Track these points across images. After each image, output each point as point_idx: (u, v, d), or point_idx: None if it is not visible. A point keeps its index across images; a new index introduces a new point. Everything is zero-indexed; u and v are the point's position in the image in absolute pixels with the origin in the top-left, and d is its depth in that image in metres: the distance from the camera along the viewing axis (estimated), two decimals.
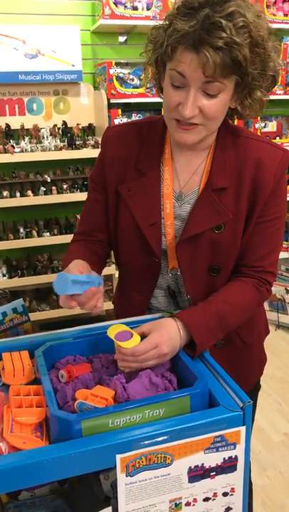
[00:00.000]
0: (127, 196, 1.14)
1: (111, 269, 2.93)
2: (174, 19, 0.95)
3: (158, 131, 1.16)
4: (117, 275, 1.49)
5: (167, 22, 0.99)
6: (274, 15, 3.13)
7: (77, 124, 2.88)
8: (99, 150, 1.26)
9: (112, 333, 0.98)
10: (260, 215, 1.11)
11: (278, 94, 3.19)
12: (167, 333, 0.99)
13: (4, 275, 2.85)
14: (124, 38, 3.06)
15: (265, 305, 3.45)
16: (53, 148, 2.75)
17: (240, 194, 1.10)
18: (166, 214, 1.14)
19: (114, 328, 1.00)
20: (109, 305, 2.74)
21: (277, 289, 3.39)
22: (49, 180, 2.77)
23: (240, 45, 0.92)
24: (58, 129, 2.83)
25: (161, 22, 1.02)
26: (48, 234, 2.84)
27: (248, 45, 0.93)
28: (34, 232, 2.84)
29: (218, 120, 1.05)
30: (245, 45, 0.93)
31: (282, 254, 3.55)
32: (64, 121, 2.86)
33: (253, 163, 1.09)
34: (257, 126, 3.26)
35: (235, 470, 0.85)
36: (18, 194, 2.74)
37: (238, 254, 1.15)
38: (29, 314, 1.49)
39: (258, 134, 3.20)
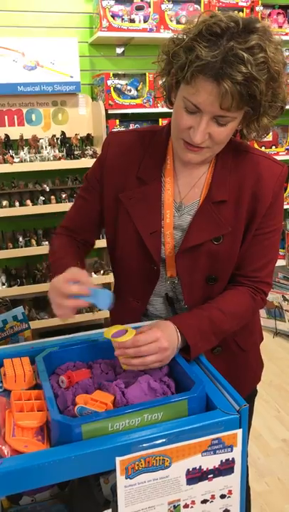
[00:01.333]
0: (128, 204, 1.16)
1: (109, 278, 2.94)
2: (197, 44, 0.95)
3: (161, 141, 1.18)
4: None
5: (187, 42, 0.97)
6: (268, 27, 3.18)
7: (76, 135, 2.91)
8: None
9: (108, 334, 1.01)
10: (258, 227, 1.14)
11: None
12: (167, 330, 1.01)
13: (3, 284, 2.86)
14: (122, 49, 3.10)
15: (263, 312, 3.47)
16: (51, 158, 2.78)
17: (240, 207, 1.12)
18: (166, 223, 1.16)
19: (110, 329, 1.02)
20: (106, 313, 2.75)
21: (274, 297, 3.40)
22: (48, 190, 2.80)
23: (259, 81, 0.94)
24: (57, 139, 2.86)
25: (179, 36, 1.01)
26: (46, 243, 2.86)
27: (265, 80, 0.95)
28: (33, 241, 2.86)
29: (224, 144, 1.08)
30: (263, 81, 0.95)
31: (279, 262, 3.57)
32: (62, 132, 2.89)
33: (252, 178, 1.12)
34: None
35: (233, 472, 0.87)
36: (17, 204, 2.76)
37: (235, 265, 1.17)
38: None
39: (255, 143, 3.23)
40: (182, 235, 1.16)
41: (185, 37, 0.99)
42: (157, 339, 0.98)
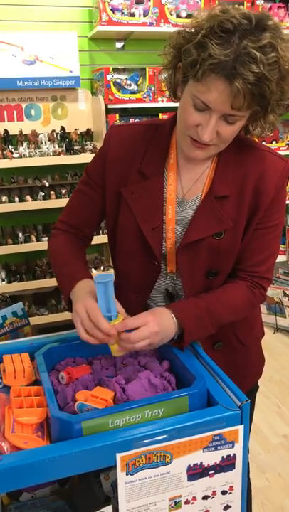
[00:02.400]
0: (130, 199, 1.15)
1: (109, 273, 2.94)
2: (208, 40, 0.92)
3: (163, 135, 1.16)
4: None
5: (197, 36, 0.94)
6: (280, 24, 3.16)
7: (75, 130, 2.90)
8: None
9: None
10: (259, 221, 1.13)
11: None
12: (159, 315, 1.02)
13: (3, 280, 2.86)
14: (122, 44, 3.08)
15: (263, 308, 3.47)
16: (51, 154, 2.77)
17: (242, 202, 1.11)
18: (168, 219, 1.15)
19: None
20: None
21: (275, 292, 3.40)
22: (47, 186, 2.79)
23: (270, 81, 0.93)
24: (56, 134, 2.85)
25: (187, 29, 0.99)
26: (46, 239, 2.85)
27: (275, 80, 0.94)
28: (33, 237, 2.85)
29: (230, 141, 1.07)
30: (274, 81, 0.94)
31: (280, 258, 3.56)
32: (62, 127, 2.88)
33: (255, 173, 1.11)
34: None
35: (234, 468, 0.86)
36: (16, 199, 2.75)
37: (235, 259, 1.16)
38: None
39: (255, 138, 3.22)
40: (183, 230, 1.15)
41: (194, 31, 0.97)
42: (147, 322, 0.99)
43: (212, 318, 1.10)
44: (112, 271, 2.95)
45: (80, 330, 0.99)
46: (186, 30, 0.99)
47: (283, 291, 3.40)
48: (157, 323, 1.00)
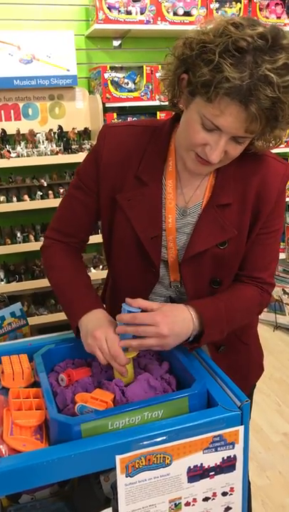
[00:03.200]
0: (126, 206, 1.11)
1: (105, 274, 2.93)
2: (222, 60, 0.87)
3: (161, 139, 1.12)
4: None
5: (210, 56, 0.88)
6: (267, 18, 3.15)
7: (73, 129, 2.89)
8: None
9: None
10: (261, 226, 1.11)
11: None
12: (173, 317, 0.99)
13: (2, 280, 2.85)
14: (119, 42, 3.07)
15: None
16: (49, 153, 2.76)
17: (244, 209, 1.09)
18: (168, 228, 1.12)
19: None
20: None
21: (274, 290, 3.38)
22: (45, 185, 2.78)
23: (284, 103, 0.90)
24: (54, 133, 2.84)
25: (194, 41, 0.92)
26: None
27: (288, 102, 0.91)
28: (31, 237, 2.84)
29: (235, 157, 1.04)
30: (288, 103, 0.90)
31: (280, 255, 3.55)
32: (60, 126, 2.87)
33: (257, 179, 1.08)
34: None
35: (234, 469, 0.86)
36: (14, 199, 2.74)
37: (239, 266, 1.15)
38: (27, 319, 1.50)
39: None
40: (186, 240, 1.12)
41: (202, 45, 0.91)
42: (156, 324, 0.95)
43: (229, 321, 1.07)
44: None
45: (100, 356, 0.98)
46: (193, 42, 0.93)
47: (283, 289, 3.40)
48: (168, 327, 0.96)
